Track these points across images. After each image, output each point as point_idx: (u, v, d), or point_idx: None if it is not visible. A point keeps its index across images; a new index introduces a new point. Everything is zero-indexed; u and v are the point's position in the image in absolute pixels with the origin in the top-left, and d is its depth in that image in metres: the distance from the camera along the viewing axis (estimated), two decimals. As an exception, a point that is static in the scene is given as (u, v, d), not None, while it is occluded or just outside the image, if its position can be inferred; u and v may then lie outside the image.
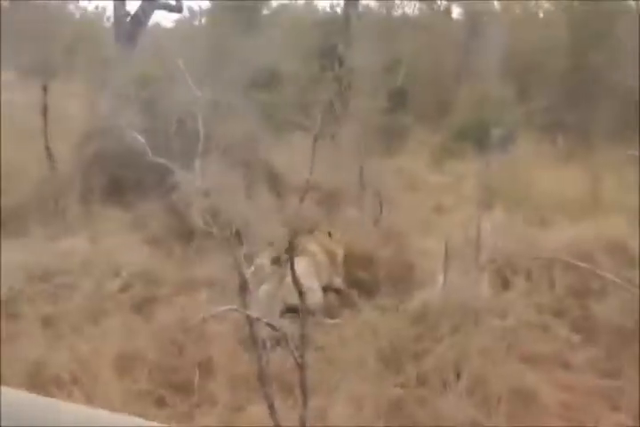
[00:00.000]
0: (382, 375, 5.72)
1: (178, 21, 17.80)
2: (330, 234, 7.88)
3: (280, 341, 4.59)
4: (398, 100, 12.07)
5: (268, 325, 3.99)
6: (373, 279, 7.47)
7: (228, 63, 13.69)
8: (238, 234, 8.40)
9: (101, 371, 5.24)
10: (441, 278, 7.02)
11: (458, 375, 5.79)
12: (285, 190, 9.31)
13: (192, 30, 17.02)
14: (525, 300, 7.18)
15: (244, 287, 3.96)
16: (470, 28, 14.65)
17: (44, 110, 8.53)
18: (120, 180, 8.50)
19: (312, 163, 4.78)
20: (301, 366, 3.69)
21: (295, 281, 4.42)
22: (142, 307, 6.56)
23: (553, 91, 13.18)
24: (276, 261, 8.09)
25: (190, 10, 16.39)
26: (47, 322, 6.33)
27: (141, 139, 5.10)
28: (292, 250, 7.63)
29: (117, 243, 7.41)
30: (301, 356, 3.69)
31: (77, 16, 19.47)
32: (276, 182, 9.27)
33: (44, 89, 8.35)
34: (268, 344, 3.95)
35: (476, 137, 11.45)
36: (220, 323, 5.94)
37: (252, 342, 3.80)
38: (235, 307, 3.93)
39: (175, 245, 7.79)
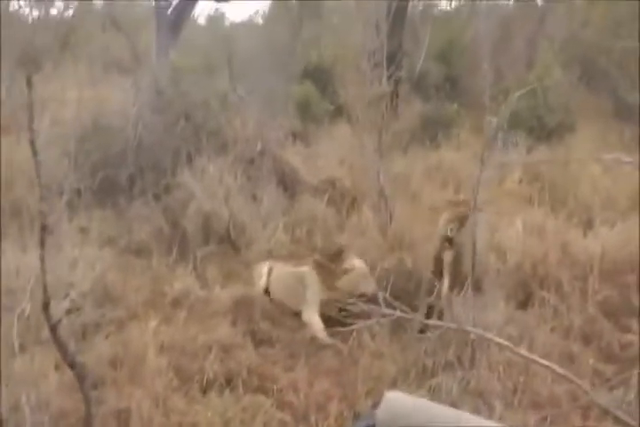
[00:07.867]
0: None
1: (253, 17, 17.13)
2: None
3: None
4: (447, 87, 11.01)
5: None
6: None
7: (279, 57, 13.00)
8: (231, 241, 7.61)
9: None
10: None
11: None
12: (300, 190, 8.41)
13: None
14: (550, 322, 5.99)
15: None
16: (542, 13, 13.38)
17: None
18: (111, 181, 7.80)
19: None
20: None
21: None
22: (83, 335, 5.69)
23: (620, 75, 11.70)
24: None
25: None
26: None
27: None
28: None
29: (85, 254, 6.59)
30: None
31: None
32: (288, 181, 8.36)
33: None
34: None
35: (530, 125, 10.25)
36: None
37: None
38: None
39: (157, 255, 6.98)
